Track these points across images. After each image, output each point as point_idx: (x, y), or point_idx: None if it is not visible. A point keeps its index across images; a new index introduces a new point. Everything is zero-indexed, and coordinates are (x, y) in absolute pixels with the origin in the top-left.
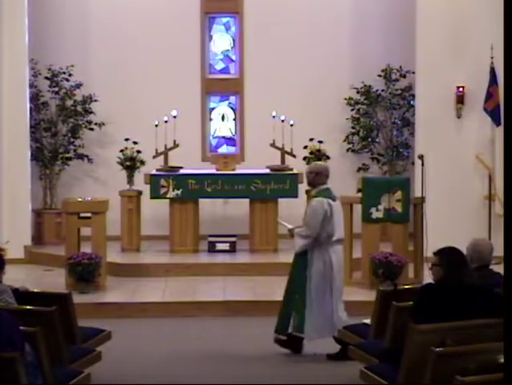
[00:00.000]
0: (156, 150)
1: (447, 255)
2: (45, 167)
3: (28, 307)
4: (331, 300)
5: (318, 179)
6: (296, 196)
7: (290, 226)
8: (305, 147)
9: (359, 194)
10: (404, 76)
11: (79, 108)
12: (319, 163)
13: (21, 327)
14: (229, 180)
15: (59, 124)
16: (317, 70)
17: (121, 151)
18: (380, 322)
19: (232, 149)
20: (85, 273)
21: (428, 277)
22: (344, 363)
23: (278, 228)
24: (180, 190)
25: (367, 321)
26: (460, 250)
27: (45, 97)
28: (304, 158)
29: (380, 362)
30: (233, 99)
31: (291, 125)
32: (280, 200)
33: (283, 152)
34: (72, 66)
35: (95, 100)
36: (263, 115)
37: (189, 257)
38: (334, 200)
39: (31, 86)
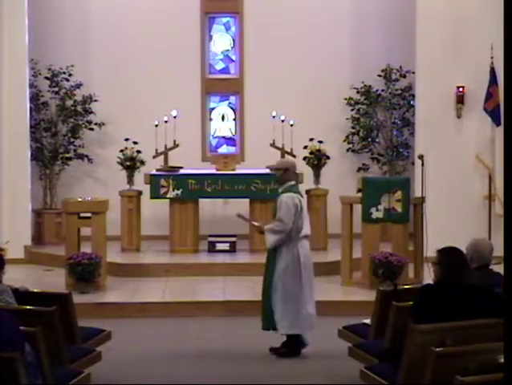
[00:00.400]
0: (156, 150)
1: (447, 255)
2: (45, 167)
3: (28, 307)
4: (299, 296)
5: (286, 176)
6: None
7: (257, 223)
8: (305, 147)
9: (359, 194)
10: (404, 76)
11: (79, 108)
12: (287, 159)
13: (21, 327)
14: (229, 180)
15: (59, 124)
16: (317, 70)
17: (121, 151)
18: (380, 322)
19: (232, 149)
20: (85, 273)
21: (428, 277)
22: (344, 363)
23: None
24: (180, 190)
25: (367, 321)
26: (460, 250)
27: (45, 97)
28: (304, 158)
29: (380, 362)
30: (233, 99)
31: (291, 125)
32: None
33: (283, 152)
34: (72, 66)
35: (95, 100)
36: (263, 115)
37: (189, 257)
38: (301, 196)
39: (31, 86)
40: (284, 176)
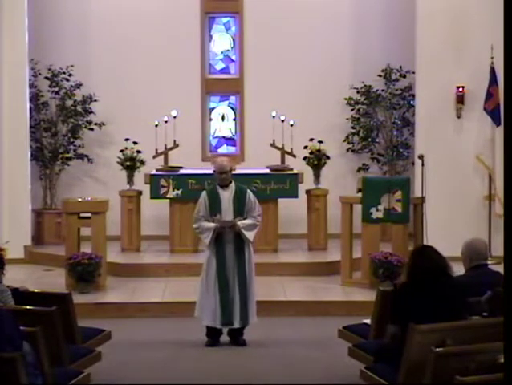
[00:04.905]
0: (156, 150)
1: (414, 253)
2: (45, 167)
3: (28, 307)
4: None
5: (231, 174)
6: (296, 196)
7: (234, 221)
8: (305, 147)
9: (359, 194)
10: (404, 76)
11: (79, 108)
12: (224, 158)
13: (21, 327)
14: None
15: (59, 124)
16: (317, 70)
17: (121, 151)
18: (380, 322)
19: (232, 149)
20: (85, 273)
21: None
22: (344, 363)
23: (278, 228)
24: (180, 190)
25: (367, 321)
26: (431, 247)
27: (45, 97)
28: (304, 158)
29: (376, 360)
30: (233, 99)
31: (291, 125)
32: (280, 200)
33: (283, 152)
34: (72, 66)
35: (95, 100)
36: (263, 115)
37: (189, 257)
38: None
39: (31, 86)
40: (231, 174)
